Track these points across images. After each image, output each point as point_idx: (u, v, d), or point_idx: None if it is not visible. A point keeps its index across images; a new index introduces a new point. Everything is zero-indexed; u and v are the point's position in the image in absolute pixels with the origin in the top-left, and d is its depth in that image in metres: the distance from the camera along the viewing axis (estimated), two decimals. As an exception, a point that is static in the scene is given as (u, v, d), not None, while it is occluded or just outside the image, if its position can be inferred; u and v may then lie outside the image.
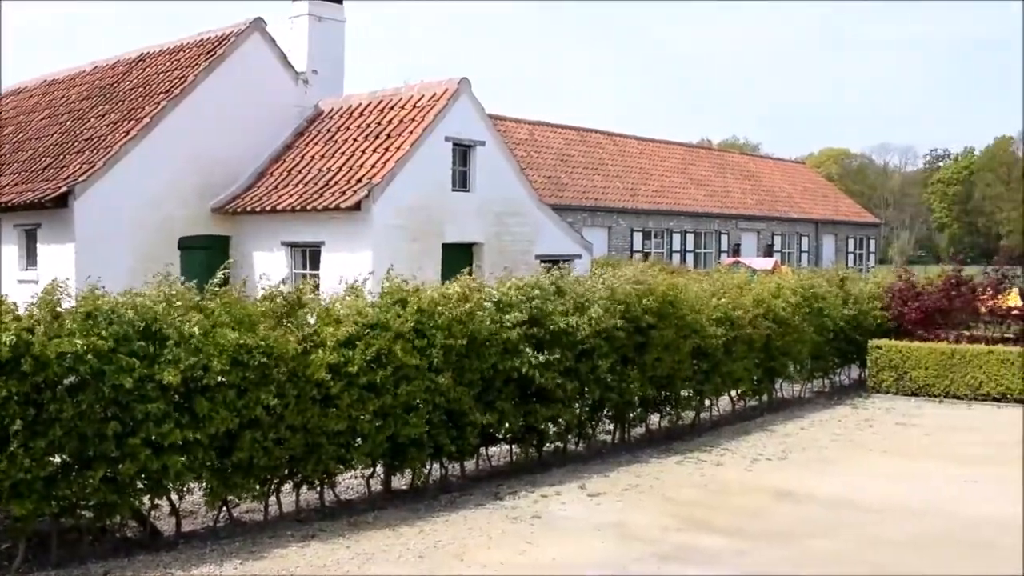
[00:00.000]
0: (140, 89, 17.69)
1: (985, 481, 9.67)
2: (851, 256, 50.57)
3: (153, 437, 7.18)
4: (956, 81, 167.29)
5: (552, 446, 10.66)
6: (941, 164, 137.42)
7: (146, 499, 7.59)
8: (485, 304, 9.43)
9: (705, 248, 39.82)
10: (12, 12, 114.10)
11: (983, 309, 16.18)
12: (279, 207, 16.02)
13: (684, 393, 12.06)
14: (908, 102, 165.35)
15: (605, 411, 11.20)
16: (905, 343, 15.26)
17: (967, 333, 16.17)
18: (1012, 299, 18.64)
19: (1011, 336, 15.94)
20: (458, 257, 15.54)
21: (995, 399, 14.30)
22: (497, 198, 17.03)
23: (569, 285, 10.46)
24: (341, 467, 8.60)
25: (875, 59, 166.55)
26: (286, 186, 16.71)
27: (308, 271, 15.81)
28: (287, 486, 8.56)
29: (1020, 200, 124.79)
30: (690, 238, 38.98)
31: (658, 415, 12.10)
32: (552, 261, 15.29)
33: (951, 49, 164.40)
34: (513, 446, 10.42)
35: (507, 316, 9.45)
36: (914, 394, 14.91)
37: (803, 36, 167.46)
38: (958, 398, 14.56)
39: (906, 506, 8.80)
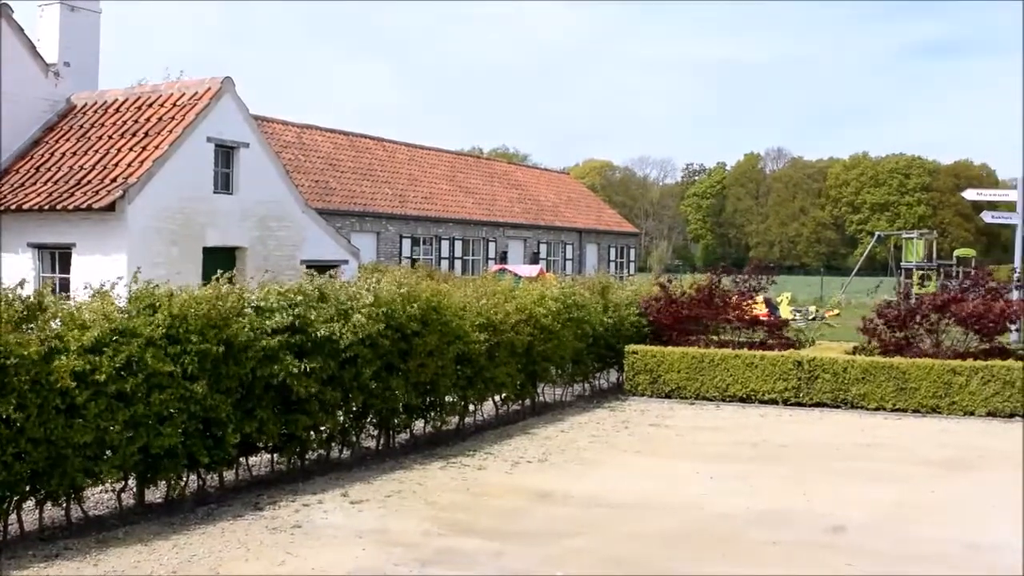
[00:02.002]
0: None
1: (729, 478, 10.21)
2: (613, 264, 52.46)
3: None
4: (711, 99, 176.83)
5: (315, 454, 10.52)
6: (696, 178, 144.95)
7: None
8: (246, 310, 9.19)
9: (473, 255, 40.34)
10: None
11: (731, 316, 17.11)
12: (25, 206, 15.09)
13: (448, 399, 12.16)
14: (667, 117, 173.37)
15: (369, 418, 11.14)
16: (659, 348, 15.97)
17: (716, 338, 17.08)
18: (758, 307, 19.87)
19: (756, 341, 16.94)
20: (220, 262, 15.09)
21: (741, 400, 15.18)
22: (262, 201, 16.67)
23: (333, 291, 10.34)
24: (90, 481, 8.13)
25: (638, 75, 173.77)
26: (33, 184, 15.76)
27: (58, 274, 14.98)
28: (29, 503, 8.04)
29: (766, 214, 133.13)
30: (458, 245, 39.39)
31: (423, 421, 12.14)
32: (318, 267, 15.05)
33: (707, 69, 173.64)
34: (275, 455, 10.20)
35: (268, 322, 9.25)
36: (668, 396, 15.62)
37: (570, 49, 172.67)
38: (708, 399, 15.37)
39: (657, 503, 9.19)
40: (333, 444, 10.71)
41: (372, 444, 11.48)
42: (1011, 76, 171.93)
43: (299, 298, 9.75)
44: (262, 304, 9.45)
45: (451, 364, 11.73)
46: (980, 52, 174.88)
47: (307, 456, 10.39)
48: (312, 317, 9.72)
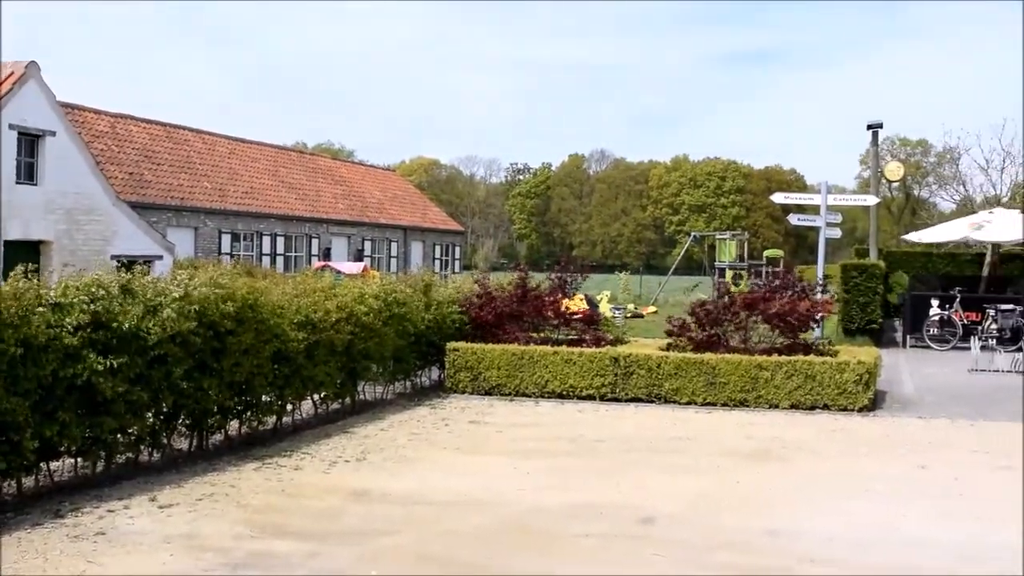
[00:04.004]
0: None
1: (545, 473, 10.37)
2: (438, 262, 52.56)
3: None
4: (536, 100, 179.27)
5: (123, 458, 10.11)
6: (521, 178, 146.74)
7: None
8: (39, 308, 8.72)
9: (296, 252, 39.69)
10: None
11: (550, 313, 17.38)
12: None
13: (265, 398, 11.91)
14: (493, 117, 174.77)
15: (181, 419, 10.79)
16: (480, 345, 16.08)
17: (536, 336, 17.31)
18: (578, 304, 20.26)
19: (575, 338, 17.25)
20: (23, 256, 14.30)
21: (560, 396, 15.44)
22: (69, 193, 15.93)
23: (140, 286, 9.95)
24: None
25: (464, 74, 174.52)
26: None
27: None
28: None
29: (590, 214, 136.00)
30: (280, 241, 38.69)
31: (238, 421, 11.85)
32: (130, 262, 14.49)
33: (532, 70, 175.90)
34: (79, 459, 9.76)
35: (67, 319, 8.83)
36: (488, 393, 15.75)
37: (397, 46, 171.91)
38: (528, 396, 15.57)
39: (475, 499, 9.24)
40: (142, 447, 10.33)
41: (185, 446, 11.13)
42: (819, 85, 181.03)
43: (100, 292, 9.34)
44: (61, 300, 9.00)
45: (268, 363, 11.49)
46: (792, 62, 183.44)
47: (114, 460, 9.98)
48: (116, 311, 9.33)
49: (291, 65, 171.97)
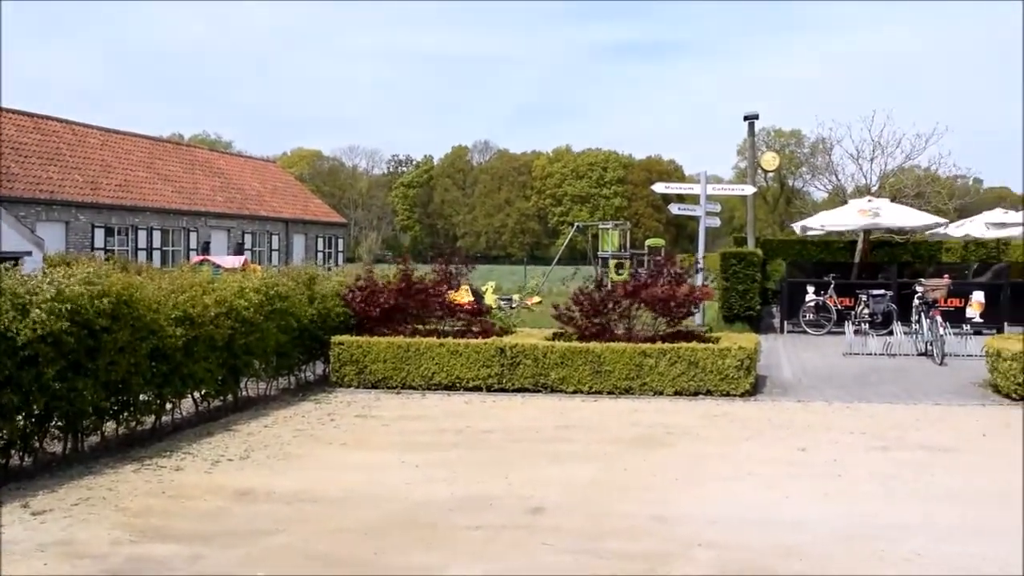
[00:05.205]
0: None
1: (433, 466, 10.31)
2: (321, 254, 51.93)
3: None
4: (418, 91, 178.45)
5: (-8, 463, 9.69)
6: (404, 169, 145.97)
7: None
8: None
9: (173, 246, 38.71)
10: None
11: (435, 305, 17.30)
12: None
13: (143, 397, 11.54)
14: (376, 108, 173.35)
15: (54, 421, 10.38)
16: (365, 338, 15.92)
17: (422, 327, 17.22)
18: (464, 295, 20.23)
19: (461, 329, 17.21)
20: None
21: (447, 388, 15.40)
22: (-72, 188, 15.17)
23: (8, 285, 9.54)
24: None
25: (345, 64, 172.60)
26: None
27: None
28: None
29: (473, 204, 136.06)
30: (157, 235, 37.68)
31: (115, 422, 11.47)
32: (-4, 259, 13.90)
33: (413, 61, 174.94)
34: (-57, 466, 9.32)
35: (-71, 321, 8.41)
36: (374, 387, 15.60)
37: (276, 34, 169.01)
38: (414, 388, 15.48)
39: (362, 495, 9.13)
40: (13, 451, 9.90)
41: (59, 449, 10.72)
42: (698, 77, 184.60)
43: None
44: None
45: (145, 361, 11.14)
46: (670, 54, 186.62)
47: (-18, 466, 9.56)
48: (-19, 313, 8.92)
49: (166, 53, 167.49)
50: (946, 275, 25.79)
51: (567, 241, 61.61)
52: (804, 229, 30.48)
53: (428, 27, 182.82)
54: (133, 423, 11.60)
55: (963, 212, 42.19)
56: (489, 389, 15.26)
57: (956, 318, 23.83)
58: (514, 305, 33.52)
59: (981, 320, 24.78)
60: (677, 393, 14.84)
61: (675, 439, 11.76)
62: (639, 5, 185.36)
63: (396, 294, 16.94)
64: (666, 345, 15.20)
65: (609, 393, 14.95)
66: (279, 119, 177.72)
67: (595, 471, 10.12)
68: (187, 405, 13.25)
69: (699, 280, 20.98)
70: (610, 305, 16.57)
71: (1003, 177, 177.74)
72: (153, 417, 11.98)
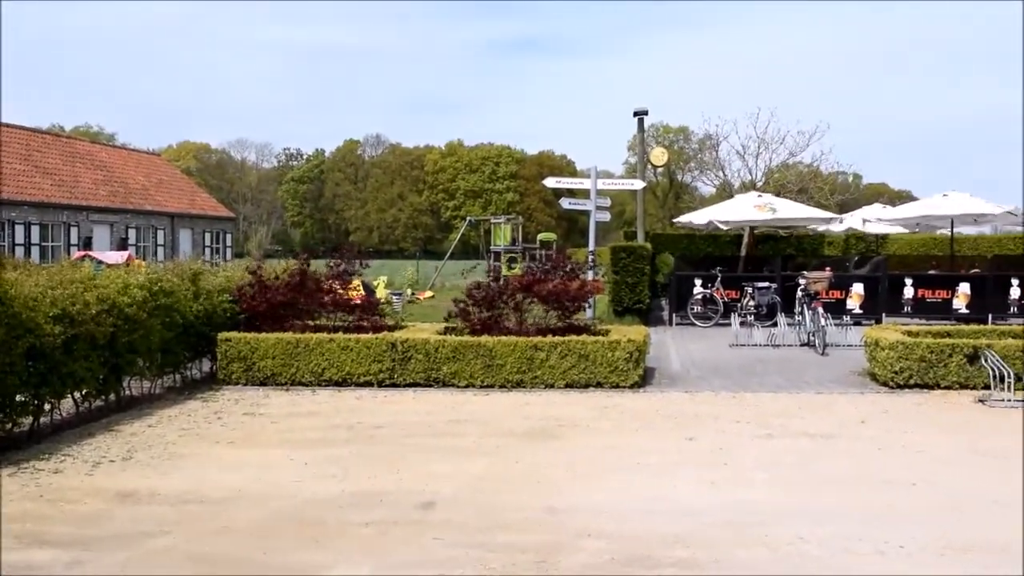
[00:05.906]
0: None
1: (323, 462, 10.19)
2: (209, 250, 50.91)
3: None
4: (308, 84, 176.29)
5: None
6: (294, 163, 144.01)
7: None
8: None
9: (53, 241, 37.50)
10: None
11: (326, 300, 17.11)
12: None
13: (19, 398, 11.13)
14: (265, 101, 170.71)
15: (-77, 424, 9.96)
16: (253, 335, 15.64)
17: (312, 323, 17.00)
18: (355, 290, 20.04)
19: (352, 324, 17.05)
20: None
21: (337, 384, 15.24)
22: None
23: None
24: None
25: (231, 56, 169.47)
26: None
27: None
28: None
29: (365, 199, 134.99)
30: (35, 230, 36.44)
31: (-11, 424, 11.04)
32: None
33: (302, 54, 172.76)
34: None
35: None
36: (263, 384, 15.35)
37: (161, 24, 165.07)
38: (304, 385, 15.28)
39: (250, 494, 8.97)
40: None
41: (-72, 453, 10.29)
42: (588, 74, 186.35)
43: None
44: None
45: (21, 360, 10.75)
46: (562, 50, 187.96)
47: None
48: None
49: (44, 41, 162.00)
50: (828, 268, 26.59)
51: (460, 236, 61.59)
52: (692, 223, 31.05)
53: (321, 20, 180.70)
54: (9, 425, 11.17)
55: (843, 207, 43.56)
56: (380, 384, 15.16)
57: (837, 309, 24.59)
58: (409, 300, 33.41)
59: (861, 311, 25.58)
60: (568, 386, 14.96)
61: (566, 431, 11.84)
62: (532, 4, 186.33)
63: (287, 290, 16.69)
64: (557, 338, 15.30)
65: (501, 387, 14.98)
66: (164, 111, 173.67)
67: (487, 465, 10.13)
68: (67, 405, 12.85)
69: (590, 275, 21.21)
70: (504, 298, 16.61)
71: (881, 173, 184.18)
72: (30, 418, 11.56)
